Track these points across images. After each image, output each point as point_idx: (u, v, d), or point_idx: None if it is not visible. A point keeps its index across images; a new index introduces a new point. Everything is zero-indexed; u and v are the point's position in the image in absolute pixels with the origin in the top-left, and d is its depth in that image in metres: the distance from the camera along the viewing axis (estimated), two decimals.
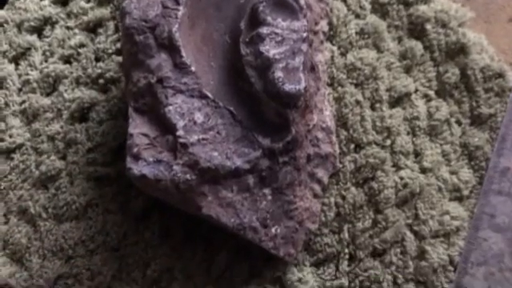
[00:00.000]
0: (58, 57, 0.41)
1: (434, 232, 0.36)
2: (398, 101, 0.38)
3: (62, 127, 0.39)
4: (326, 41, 0.39)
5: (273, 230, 0.34)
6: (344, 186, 0.37)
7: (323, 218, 0.37)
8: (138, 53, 0.32)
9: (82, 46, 0.41)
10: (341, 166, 0.37)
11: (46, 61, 0.41)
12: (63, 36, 0.41)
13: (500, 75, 0.38)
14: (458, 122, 0.38)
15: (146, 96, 0.32)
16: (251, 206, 0.33)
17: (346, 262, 0.36)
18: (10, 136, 0.40)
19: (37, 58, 0.41)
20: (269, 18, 0.33)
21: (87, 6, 0.42)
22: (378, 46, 0.39)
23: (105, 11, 0.41)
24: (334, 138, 0.37)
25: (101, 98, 0.40)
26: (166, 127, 0.32)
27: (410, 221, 0.36)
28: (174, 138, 0.31)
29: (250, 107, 0.33)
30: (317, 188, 0.36)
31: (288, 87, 0.32)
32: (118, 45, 0.41)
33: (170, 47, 0.32)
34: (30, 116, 0.40)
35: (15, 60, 0.42)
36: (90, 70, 0.40)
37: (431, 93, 0.38)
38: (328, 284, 0.36)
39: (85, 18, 0.41)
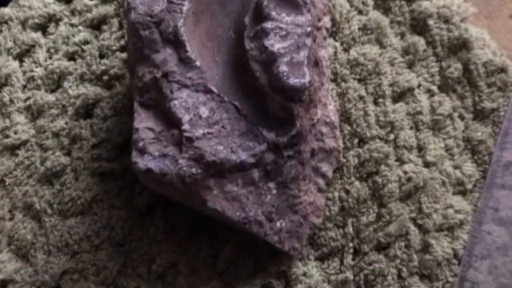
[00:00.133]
0: (63, 54, 0.41)
1: (438, 226, 0.36)
2: (401, 96, 0.39)
3: (66, 123, 0.40)
4: (328, 37, 0.40)
5: (278, 223, 0.34)
6: (348, 180, 0.37)
7: (327, 213, 0.37)
8: (143, 48, 0.33)
9: (86, 42, 0.41)
10: (345, 160, 0.37)
11: (50, 58, 0.41)
12: (67, 33, 0.42)
13: (502, 70, 0.38)
14: (461, 117, 0.38)
15: (151, 90, 0.33)
16: (256, 199, 0.33)
17: (350, 256, 0.36)
18: (15, 132, 0.40)
19: (41, 54, 0.41)
20: (273, 13, 0.33)
21: (91, 3, 0.42)
22: (380, 42, 0.39)
23: (109, 8, 0.42)
24: (337, 132, 0.37)
25: (105, 94, 0.40)
26: (171, 121, 0.32)
27: (414, 214, 0.36)
28: (179, 132, 0.32)
29: (254, 101, 0.33)
30: (321, 182, 0.36)
31: (293, 81, 0.32)
32: (122, 42, 0.41)
33: (175, 42, 0.32)
34: (34, 112, 0.40)
35: (20, 57, 0.42)
36: (94, 67, 0.41)
37: (434, 88, 0.39)
38: (333, 278, 0.36)
39: (89, 15, 0.42)
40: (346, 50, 0.39)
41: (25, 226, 0.38)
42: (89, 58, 0.41)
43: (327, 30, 0.39)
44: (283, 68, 0.32)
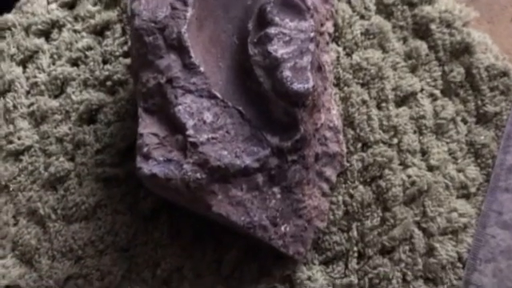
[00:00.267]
0: (66, 59, 0.41)
1: (442, 229, 0.36)
2: (404, 100, 0.39)
3: (70, 129, 0.40)
4: (331, 42, 0.40)
5: (282, 228, 0.34)
6: (352, 184, 0.37)
7: (332, 217, 0.37)
8: (147, 54, 0.33)
9: (89, 48, 0.41)
10: (348, 164, 0.37)
11: (53, 63, 0.41)
12: (71, 39, 0.42)
13: (505, 74, 0.38)
14: (464, 121, 0.38)
15: (155, 96, 0.33)
16: (261, 204, 0.33)
17: (355, 260, 0.36)
18: (19, 138, 0.40)
19: (44, 60, 0.42)
20: (276, 19, 0.33)
21: (94, 9, 0.42)
22: (383, 47, 0.40)
23: (112, 14, 0.42)
24: (341, 137, 0.37)
25: (108, 99, 0.40)
26: (175, 127, 0.32)
27: (418, 218, 0.36)
28: (183, 137, 0.32)
29: (258, 106, 0.33)
30: (325, 186, 0.36)
31: (296, 86, 0.32)
32: (125, 47, 0.41)
33: (179, 48, 0.32)
34: (38, 118, 0.40)
35: (23, 63, 0.42)
36: (97, 73, 0.41)
37: (437, 92, 0.39)
38: (337, 282, 0.36)
39: (92, 21, 0.42)
40: (348, 55, 0.40)
41: (29, 232, 0.38)
42: (92, 63, 0.41)
43: (330, 34, 0.39)
44: (287, 73, 0.32)
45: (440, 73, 0.39)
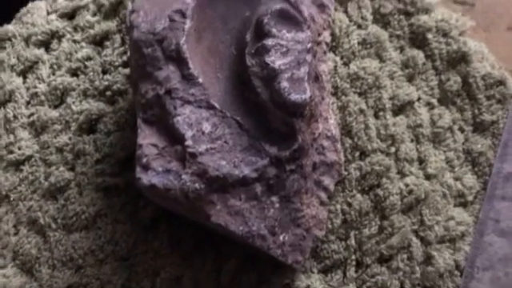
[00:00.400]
0: (66, 70, 0.42)
1: (439, 237, 0.36)
2: (401, 109, 0.39)
3: (70, 139, 0.40)
4: (328, 51, 0.40)
5: (281, 237, 0.34)
6: (350, 193, 0.37)
7: (330, 225, 0.37)
8: (146, 65, 0.33)
9: (88, 58, 0.42)
10: (346, 173, 0.38)
11: (53, 74, 0.42)
12: (70, 49, 0.42)
13: (501, 82, 0.38)
14: (461, 129, 0.39)
15: (154, 107, 0.33)
16: (259, 213, 0.33)
17: (353, 269, 0.36)
18: (19, 148, 0.40)
19: (44, 71, 0.42)
20: (274, 30, 0.33)
21: (93, 19, 0.42)
22: (380, 56, 0.40)
23: (111, 24, 0.42)
24: (339, 146, 0.37)
25: (108, 109, 0.40)
26: (174, 137, 0.32)
27: (415, 227, 0.37)
28: (182, 147, 0.32)
29: (256, 117, 0.33)
30: (323, 195, 0.37)
31: (294, 97, 0.32)
32: (125, 57, 0.41)
33: (178, 59, 0.33)
34: (38, 128, 0.41)
35: (23, 73, 0.42)
36: (97, 83, 0.41)
37: (434, 101, 0.39)
38: None
39: (91, 32, 0.42)
40: (345, 64, 0.40)
41: (29, 241, 0.38)
42: (92, 73, 0.41)
43: (327, 44, 0.39)
44: (284, 84, 0.32)
45: (437, 82, 0.39)
